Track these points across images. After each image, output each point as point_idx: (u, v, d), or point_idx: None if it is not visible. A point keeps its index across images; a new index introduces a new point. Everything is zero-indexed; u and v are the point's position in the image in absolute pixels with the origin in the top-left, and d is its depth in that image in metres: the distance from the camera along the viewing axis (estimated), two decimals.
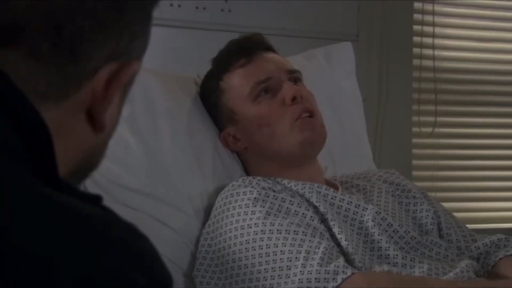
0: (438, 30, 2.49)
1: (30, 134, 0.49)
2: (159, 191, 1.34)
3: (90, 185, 1.28)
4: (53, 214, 0.44)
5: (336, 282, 1.07)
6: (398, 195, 1.39)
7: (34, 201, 0.44)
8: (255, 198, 1.23)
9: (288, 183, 1.30)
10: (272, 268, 1.13)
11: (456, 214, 1.45)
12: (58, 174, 0.50)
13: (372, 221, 1.25)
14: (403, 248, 1.24)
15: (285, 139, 1.33)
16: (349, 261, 1.16)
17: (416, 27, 2.45)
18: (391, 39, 2.35)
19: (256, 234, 1.18)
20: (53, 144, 0.50)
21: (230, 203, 1.25)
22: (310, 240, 1.15)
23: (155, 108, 1.40)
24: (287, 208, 1.23)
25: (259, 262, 1.15)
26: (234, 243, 1.19)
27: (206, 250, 1.24)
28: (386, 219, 1.26)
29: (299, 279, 1.09)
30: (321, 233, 1.19)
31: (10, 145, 0.48)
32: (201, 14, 2.14)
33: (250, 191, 1.25)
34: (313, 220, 1.21)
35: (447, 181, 2.57)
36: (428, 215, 1.35)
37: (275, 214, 1.21)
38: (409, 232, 1.26)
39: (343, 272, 1.08)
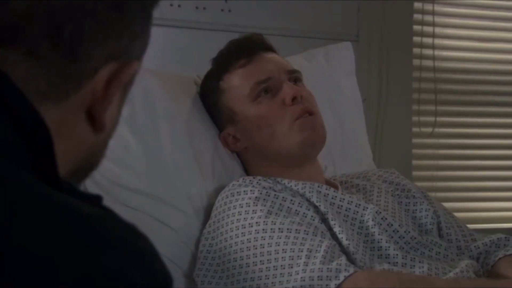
0: (438, 30, 2.49)
1: (30, 134, 0.49)
2: (159, 191, 1.34)
3: (90, 185, 1.28)
4: (53, 214, 0.44)
5: (339, 280, 1.07)
6: (397, 194, 1.39)
7: (34, 201, 0.44)
8: (256, 197, 1.23)
9: (288, 183, 1.30)
10: (274, 266, 1.13)
11: (456, 214, 1.45)
12: (58, 174, 0.50)
13: (372, 220, 1.25)
14: (403, 248, 1.24)
15: (285, 139, 1.33)
16: (350, 260, 1.16)
17: (416, 27, 2.45)
18: (391, 39, 2.35)
19: (258, 233, 1.18)
20: (53, 144, 0.50)
21: (231, 203, 1.25)
22: (311, 239, 1.15)
23: (155, 108, 1.40)
24: (288, 207, 1.23)
25: (260, 261, 1.15)
26: (235, 242, 1.19)
27: (207, 250, 1.24)
28: (386, 218, 1.26)
29: (301, 277, 1.09)
30: (322, 232, 1.19)
31: (10, 145, 0.48)
32: (201, 14, 2.14)
33: (251, 190, 1.25)
34: (314, 220, 1.22)
35: (447, 181, 2.57)
36: (427, 215, 1.35)
37: (276, 213, 1.21)
38: (409, 232, 1.26)
39: (345, 270, 1.08)
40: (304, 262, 1.11)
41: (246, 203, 1.23)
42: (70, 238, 0.43)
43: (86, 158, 0.58)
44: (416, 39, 2.45)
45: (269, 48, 1.44)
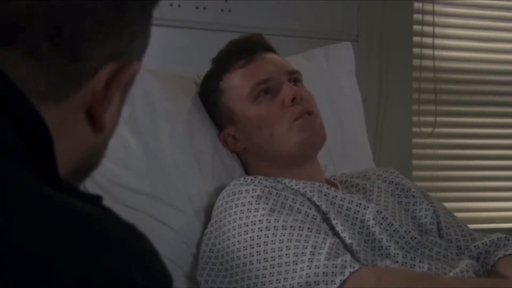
0: (438, 30, 2.49)
1: (30, 134, 0.49)
2: (159, 191, 1.34)
3: (90, 185, 1.28)
4: (53, 214, 0.44)
5: (344, 275, 1.07)
6: (397, 194, 1.39)
7: (34, 201, 0.44)
8: (258, 195, 1.23)
9: (289, 182, 1.30)
10: (278, 264, 1.13)
11: (456, 214, 1.45)
12: (58, 174, 0.50)
13: (373, 220, 1.25)
14: (403, 248, 1.24)
15: (284, 139, 1.33)
16: (354, 258, 1.16)
17: (416, 27, 2.45)
18: (391, 39, 2.35)
19: (261, 231, 1.18)
20: (53, 144, 0.50)
21: (232, 201, 1.25)
22: (315, 236, 1.15)
23: (155, 108, 1.40)
24: (290, 205, 1.23)
25: (264, 259, 1.15)
26: (238, 241, 1.19)
27: (210, 249, 1.24)
28: (387, 218, 1.26)
29: (306, 274, 1.09)
30: (325, 230, 1.19)
31: (10, 145, 0.48)
32: (201, 14, 2.14)
33: (253, 189, 1.25)
34: (315, 219, 1.22)
35: (447, 181, 2.57)
36: (427, 215, 1.35)
37: (279, 211, 1.21)
38: (409, 232, 1.26)
39: (350, 266, 1.08)
40: (309, 259, 1.11)
41: (249, 202, 1.23)
42: (70, 238, 0.43)
43: (86, 158, 0.58)
44: (416, 39, 2.45)
45: (269, 49, 1.44)
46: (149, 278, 0.44)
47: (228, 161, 1.43)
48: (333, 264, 1.08)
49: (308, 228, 1.17)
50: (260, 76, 1.36)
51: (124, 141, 1.35)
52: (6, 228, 0.41)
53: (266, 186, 1.26)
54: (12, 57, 0.51)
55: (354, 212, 1.27)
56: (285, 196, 1.24)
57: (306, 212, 1.22)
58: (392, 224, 1.26)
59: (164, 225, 1.32)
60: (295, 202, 1.24)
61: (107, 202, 0.52)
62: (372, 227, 1.25)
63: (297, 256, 1.13)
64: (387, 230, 1.25)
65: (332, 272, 1.08)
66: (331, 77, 1.71)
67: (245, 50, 1.40)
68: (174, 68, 1.97)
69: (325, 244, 1.13)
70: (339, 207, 1.27)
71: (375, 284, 1.08)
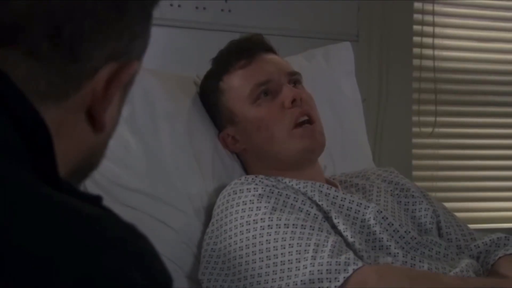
0: (438, 30, 2.49)
1: (30, 134, 0.49)
2: (159, 191, 1.34)
3: (90, 185, 1.28)
4: (53, 214, 0.44)
5: (347, 273, 1.08)
6: (397, 194, 1.39)
7: (34, 201, 0.44)
8: (260, 194, 1.23)
9: (289, 182, 1.30)
10: (281, 262, 1.13)
11: (456, 214, 1.45)
12: (58, 174, 0.50)
13: (374, 219, 1.25)
14: (403, 248, 1.24)
15: (284, 145, 1.34)
16: (357, 256, 1.16)
17: (416, 27, 2.45)
18: (391, 39, 2.35)
19: (263, 229, 1.18)
20: (53, 144, 0.50)
21: (234, 200, 1.25)
22: (318, 234, 1.15)
23: (155, 108, 1.40)
24: (292, 204, 1.23)
25: (267, 257, 1.15)
26: (240, 239, 1.19)
27: (211, 249, 1.23)
28: (387, 218, 1.26)
29: (309, 271, 1.09)
30: (327, 229, 1.19)
31: (10, 145, 0.48)
32: (201, 14, 2.14)
33: (254, 188, 1.25)
34: (317, 217, 1.22)
35: (447, 181, 2.57)
36: (427, 214, 1.35)
37: (281, 210, 1.21)
38: (409, 232, 1.26)
39: (354, 263, 1.09)
40: (312, 256, 1.11)
41: (250, 200, 1.23)
42: (70, 238, 0.43)
43: (86, 158, 0.58)
44: (416, 39, 2.45)
45: (269, 49, 1.44)
46: (149, 278, 0.44)
47: (228, 161, 1.43)
48: (336, 262, 1.09)
49: (310, 226, 1.17)
50: (260, 78, 1.36)
51: (124, 141, 1.35)
52: (6, 228, 0.41)
53: (267, 185, 1.26)
54: (12, 57, 0.51)
55: (355, 212, 1.27)
56: (286, 195, 1.24)
57: (307, 211, 1.23)
58: (392, 224, 1.26)
59: (164, 225, 1.32)
60: (296, 201, 1.24)
61: (107, 202, 0.52)
62: (373, 226, 1.25)
63: (299, 254, 1.13)
64: (387, 230, 1.25)
65: (336, 270, 1.08)
66: (331, 77, 1.71)
67: (245, 50, 1.40)
68: (174, 68, 1.97)
69: (327, 242, 1.13)
70: (339, 207, 1.27)
71: (378, 282, 1.09)
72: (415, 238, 1.26)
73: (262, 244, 1.16)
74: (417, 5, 2.45)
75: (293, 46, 1.99)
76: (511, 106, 2.64)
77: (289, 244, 1.14)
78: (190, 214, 1.34)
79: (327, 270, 1.08)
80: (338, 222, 1.22)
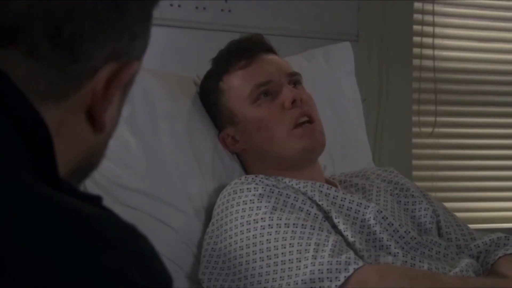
0: (438, 30, 2.49)
1: (30, 134, 0.49)
2: (159, 191, 1.34)
3: (90, 185, 1.28)
4: (53, 214, 0.44)
5: (348, 272, 1.08)
6: (396, 194, 1.39)
7: (34, 201, 0.44)
8: (260, 194, 1.23)
9: (289, 181, 1.30)
10: (282, 261, 1.14)
11: (456, 214, 1.45)
12: (58, 174, 0.50)
13: (374, 219, 1.25)
14: (403, 247, 1.24)
15: (284, 145, 1.34)
16: (358, 256, 1.16)
17: (416, 27, 2.45)
18: (391, 39, 2.35)
19: (264, 229, 1.18)
20: (53, 144, 0.50)
21: (234, 200, 1.25)
22: (318, 234, 1.15)
23: (155, 108, 1.40)
24: (292, 204, 1.23)
25: (267, 256, 1.15)
26: (240, 239, 1.19)
27: (212, 248, 1.23)
28: (387, 218, 1.26)
29: (310, 270, 1.09)
30: (327, 228, 1.19)
31: (10, 145, 0.48)
32: (201, 14, 2.14)
33: (254, 187, 1.25)
34: (317, 217, 1.22)
35: (447, 181, 2.57)
36: (426, 214, 1.35)
37: (281, 209, 1.21)
38: (409, 232, 1.26)
39: (354, 263, 1.09)
40: (313, 256, 1.11)
41: (250, 200, 1.23)
42: (70, 238, 0.43)
43: (86, 158, 0.58)
44: (416, 39, 2.45)
45: (270, 49, 1.44)
46: (149, 278, 0.44)
47: (228, 161, 1.43)
48: (337, 261, 1.09)
49: (311, 225, 1.17)
50: (260, 78, 1.36)
51: (124, 141, 1.35)
52: (6, 228, 0.41)
53: (267, 185, 1.26)
54: (12, 57, 0.51)
55: (355, 212, 1.27)
56: (286, 194, 1.24)
57: (308, 210, 1.23)
58: (392, 224, 1.26)
59: (164, 225, 1.32)
60: (296, 201, 1.24)
61: (107, 202, 0.52)
62: (373, 226, 1.25)
63: (300, 253, 1.13)
64: (387, 230, 1.25)
65: (336, 269, 1.08)
66: (331, 77, 1.71)
67: (245, 50, 1.40)
68: (174, 68, 1.97)
69: (328, 241, 1.13)
70: (339, 206, 1.27)
71: (379, 282, 1.09)
72: (415, 238, 1.26)
73: (262, 244, 1.16)
74: (417, 5, 2.45)
75: (293, 46, 1.99)
76: (511, 106, 2.64)
77: (290, 244, 1.14)
78: (190, 214, 1.34)
79: (327, 269, 1.08)
80: (338, 222, 1.22)
